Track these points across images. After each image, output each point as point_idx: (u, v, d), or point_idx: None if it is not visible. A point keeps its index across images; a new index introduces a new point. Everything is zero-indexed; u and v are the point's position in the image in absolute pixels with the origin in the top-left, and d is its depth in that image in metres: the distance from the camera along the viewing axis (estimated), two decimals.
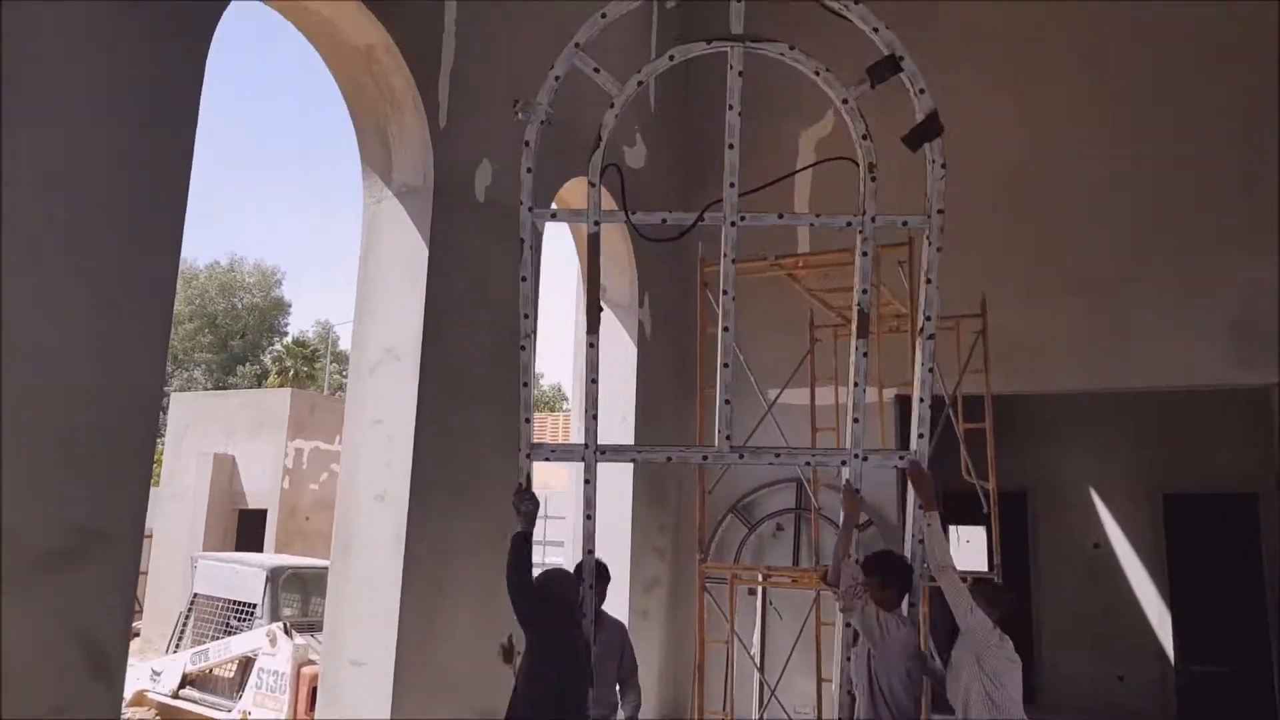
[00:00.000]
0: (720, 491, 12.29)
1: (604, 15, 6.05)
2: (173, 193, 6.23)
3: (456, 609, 8.40)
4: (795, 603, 11.85)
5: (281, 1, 7.59)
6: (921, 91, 6.03)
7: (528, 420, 6.27)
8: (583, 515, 6.28)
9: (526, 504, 6.07)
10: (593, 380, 6.26)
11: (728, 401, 6.33)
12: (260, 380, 50.13)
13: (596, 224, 6.17)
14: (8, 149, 5.14)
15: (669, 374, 13.09)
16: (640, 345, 12.69)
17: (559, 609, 5.94)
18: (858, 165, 6.18)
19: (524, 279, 6.15)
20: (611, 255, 12.07)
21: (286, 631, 11.84)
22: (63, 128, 5.55)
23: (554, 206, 6.48)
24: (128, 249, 5.95)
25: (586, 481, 6.28)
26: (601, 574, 6.43)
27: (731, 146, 6.10)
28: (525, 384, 6.25)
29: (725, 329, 6.25)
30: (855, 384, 6.30)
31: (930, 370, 6.25)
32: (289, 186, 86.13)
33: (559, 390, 55.15)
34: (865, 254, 6.19)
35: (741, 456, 6.46)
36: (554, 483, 21.13)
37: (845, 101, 6.10)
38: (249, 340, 56.71)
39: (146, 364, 6.07)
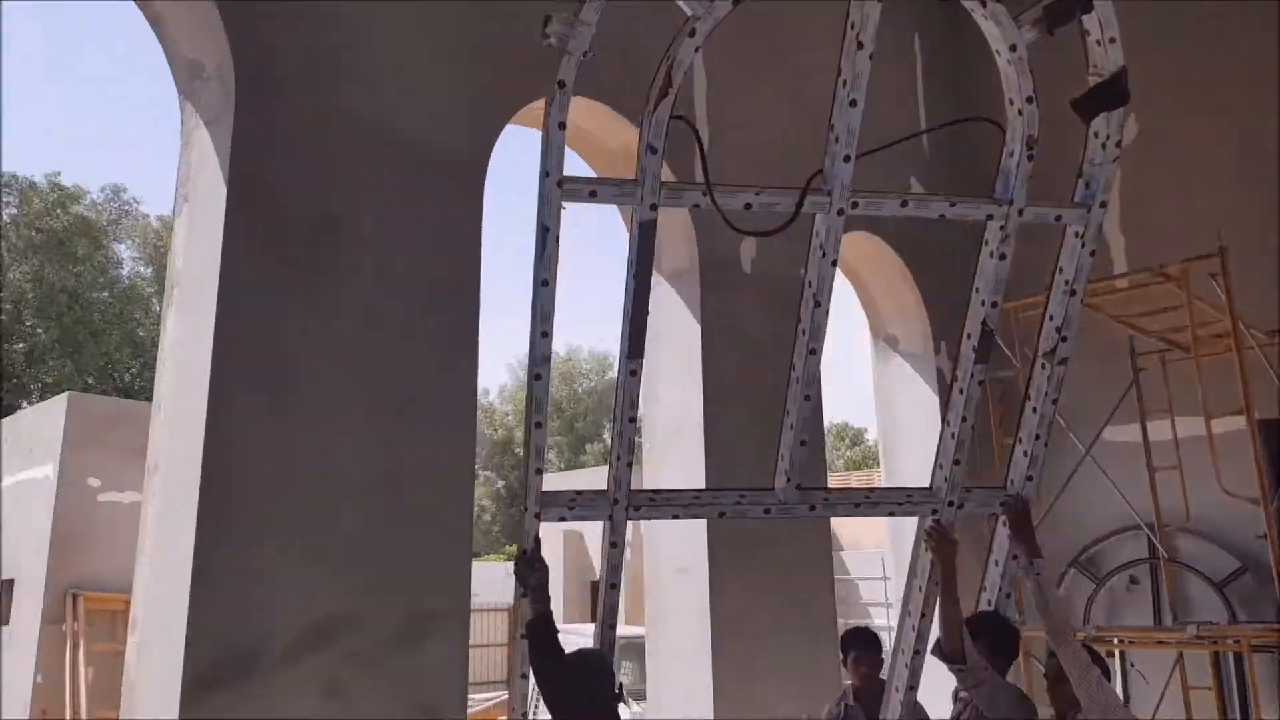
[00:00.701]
0: (1055, 544, 10.15)
1: None
2: (465, 308, 7.57)
3: (767, 676, 8.63)
4: (1157, 662, 10.12)
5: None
6: (1112, 40, 4.46)
7: (538, 470, 4.59)
8: (606, 584, 4.91)
9: (535, 575, 4.53)
10: (630, 419, 4.66)
11: (803, 442, 4.97)
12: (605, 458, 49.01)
13: (654, 208, 4.29)
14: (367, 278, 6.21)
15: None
16: (941, 394, 11.06)
17: (588, 706, 4.57)
18: (1003, 130, 4.71)
19: (544, 283, 4.33)
20: (896, 301, 12.04)
21: (622, 698, 11.02)
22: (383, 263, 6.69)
23: (591, 179, 4.67)
24: (434, 356, 7.21)
25: (613, 545, 4.82)
26: (869, 640, 6.10)
27: (854, 104, 4.45)
28: (538, 424, 4.53)
29: (813, 351, 4.88)
30: (964, 419, 5.15)
31: (1054, 403, 5.18)
32: (597, 275, 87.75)
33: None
34: (1003, 256, 4.79)
35: (813, 508, 5.16)
36: (866, 539, 20.30)
37: (1014, 48, 4.47)
38: (591, 421, 61.42)
39: (459, 455, 7.07)
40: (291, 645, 5.97)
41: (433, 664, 6.48)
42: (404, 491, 6.51)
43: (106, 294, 35.45)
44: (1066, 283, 4.79)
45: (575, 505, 4.73)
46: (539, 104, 7.70)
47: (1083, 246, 4.70)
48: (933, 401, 11.33)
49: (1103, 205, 4.64)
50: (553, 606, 4.63)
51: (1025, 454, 5.07)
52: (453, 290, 7.16)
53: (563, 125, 4.04)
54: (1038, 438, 5.01)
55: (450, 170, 7.28)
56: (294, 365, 6.28)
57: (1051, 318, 4.80)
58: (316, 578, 6.15)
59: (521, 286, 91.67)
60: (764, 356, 8.66)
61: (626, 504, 4.69)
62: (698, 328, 8.76)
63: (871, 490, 5.09)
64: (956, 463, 4.98)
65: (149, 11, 6.71)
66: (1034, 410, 4.99)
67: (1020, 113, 4.42)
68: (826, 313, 4.60)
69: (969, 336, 4.72)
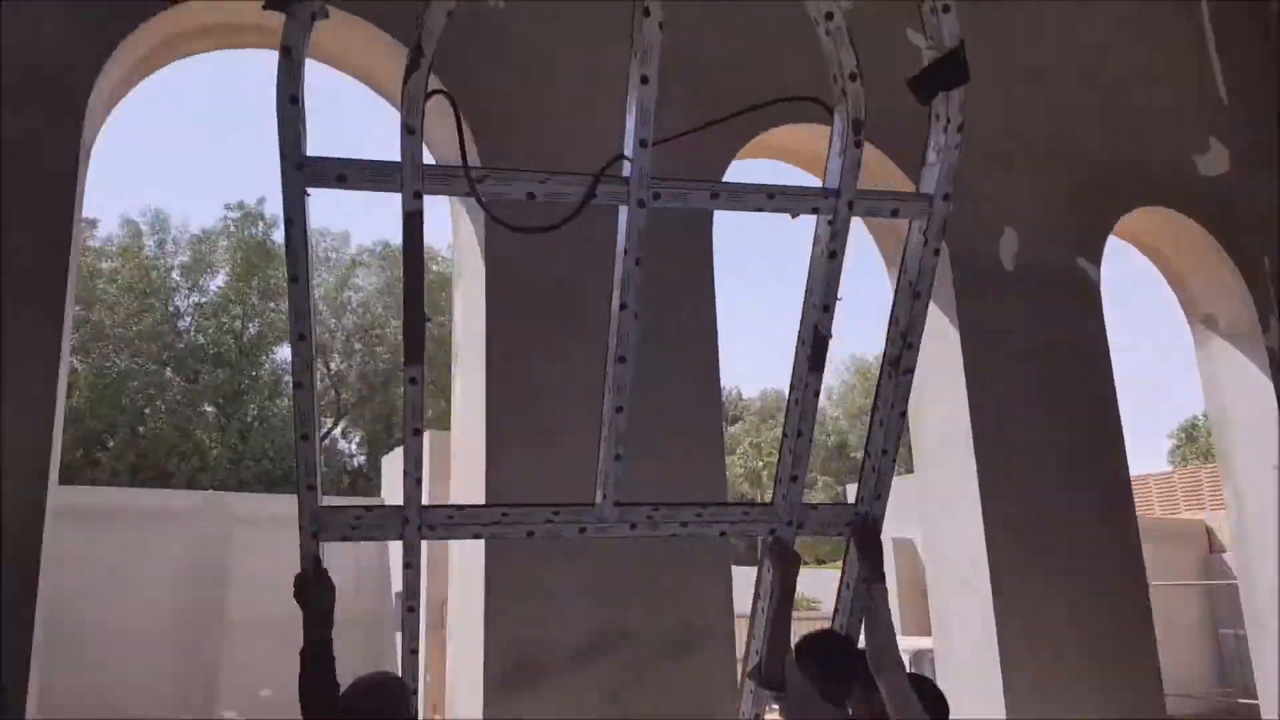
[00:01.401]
0: None
1: None
2: (704, 338, 8.50)
3: (1070, 686, 8.52)
4: None
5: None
6: (945, 9, 4.06)
7: (310, 487, 4.26)
8: (404, 607, 4.60)
9: (318, 598, 4.17)
10: (415, 431, 4.27)
11: (618, 456, 4.67)
12: None
13: (418, 196, 3.89)
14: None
15: None
16: (1276, 378, 10.75)
17: None
18: (830, 112, 4.27)
19: (294, 279, 3.92)
20: (1208, 277, 11.47)
21: None
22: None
23: (339, 159, 4.11)
24: (681, 389, 8.15)
25: (407, 565, 4.53)
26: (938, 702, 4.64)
27: (645, 81, 4.04)
28: (304, 436, 4.19)
29: (621, 359, 4.57)
30: (799, 433, 4.82)
31: (903, 416, 4.85)
32: None
33: None
34: (833, 254, 4.37)
35: (634, 526, 4.82)
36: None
37: (830, 16, 4.08)
38: None
39: (712, 474, 8.13)
40: (575, 654, 6.90)
41: (702, 673, 7.31)
42: None
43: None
44: (910, 284, 4.39)
45: (360, 524, 4.42)
46: (771, 133, 8.78)
47: (926, 244, 4.30)
48: (1268, 389, 10.73)
49: (946, 198, 4.24)
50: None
51: (874, 469, 4.74)
52: (690, 324, 8.15)
53: (294, 99, 3.57)
54: (885, 453, 4.69)
55: (676, 221, 7.07)
56: (552, 410, 7.40)
57: (896, 322, 4.45)
58: (592, 593, 7.10)
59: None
60: (1029, 356, 9.11)
61: (420, 523, 4.37)
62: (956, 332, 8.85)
63: (704, 506, 4.92)
64: (794, 479, 4.70)
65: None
66: (880, 424, 4.68)
67: (844, 92, 4.08)
68: (634, 315, 4.27)
69: (802, 343, 4.45)
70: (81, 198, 7.00)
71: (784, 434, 4.66)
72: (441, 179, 3.96)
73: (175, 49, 7.92)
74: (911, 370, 4.55)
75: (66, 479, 25.78)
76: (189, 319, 34.12)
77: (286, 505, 18.58)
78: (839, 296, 4.41)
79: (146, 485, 25.61)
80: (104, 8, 6.92)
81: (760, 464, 50.38)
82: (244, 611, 18.36)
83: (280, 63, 3.42)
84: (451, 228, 8.35)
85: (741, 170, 8.78)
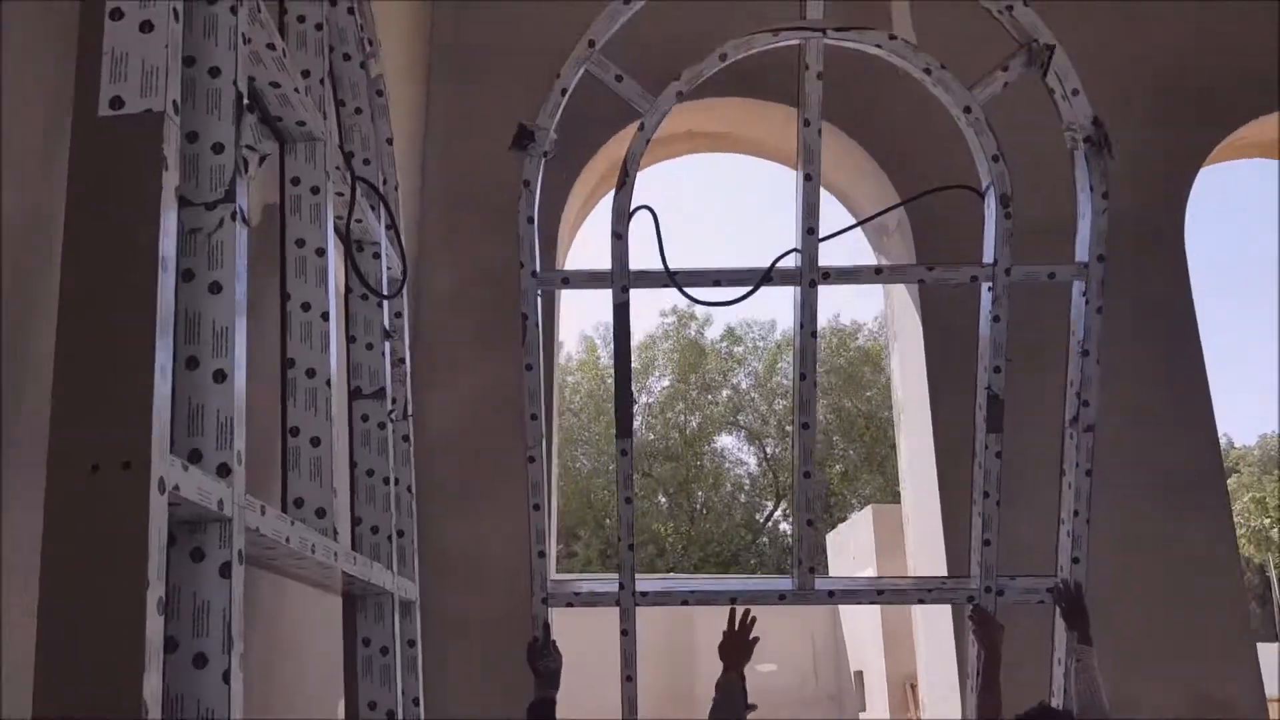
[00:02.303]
0: None
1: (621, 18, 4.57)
2: (1192, 377, 7.63)
3: None
4: None
5: None
6: (1075, 93, 4.63)
7: (540, 554, 4.94)
8: (623, 676, 5.06)
9: (545, 661, 4.55)
10: (627, 500, 4.92)
11: (810, 523, 5.06)
12: None
13: (625, 290, 4.72)
14: None
15: None
16: None
17: None
18: (980, 195, 4.86)
19: (528, 367, 4.80)
20: None
21: None
22: None
23: (563, 270, 5.64)
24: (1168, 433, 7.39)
25: (624, 632, 4.97)
26: None
27: (810, 178, 4.78)
28: (536, 506, 4.92)
29: (805, 426, 5.06)
30: (985, 494, 4.99)
31: (1089, 474, 5.02)
32: None
33: None
34: (997, 318, 4.79)
35: (832, 595, 5.17)
36: None
37: (968, 110, 4.65)
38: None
39: (1219, 531, 7.16)
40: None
41: None
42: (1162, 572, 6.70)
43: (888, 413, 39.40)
44: (1079, 343, 4.72)
45: (580, 594, 5.15)
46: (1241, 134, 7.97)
47: (1087, 304, 4.67)
48: None
49: (1101, 259, 4.63)
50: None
51: (1069, 534, 4.89)
52: (1175, 360, 7.28)
53: (531, 220, 4.62)
54: (1077, 514, 4.84)
55: (1145, 236, 7.05)
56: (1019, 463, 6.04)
57: (1071, 384, 4.76)
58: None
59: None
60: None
61: (633, 589, 4.98)
62: None
63: (900, 579, 5.02)
64: (987, 543, 4.87)
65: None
66: (1069, 485, 4.82)
67: (987, 170, 4.57)
68: (814, 384, 4.86)
69: (979, 407, 4.80)
70: (557, 318, 7.30)
71: (972, 499, 4.93)
72: (642, 275, 4.93)
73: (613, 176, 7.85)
74: (1091, 428, 4.77)
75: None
76: (640, 419, 36.59)
77: (734, 585, 18.67)
78: (1008, 358, 4.85)
79: (613, 572, 26.68)
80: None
81: (1268, 521, 43.78)
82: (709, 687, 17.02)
83: (523, 193, 4.58)
84: (883, 297, 8.15)
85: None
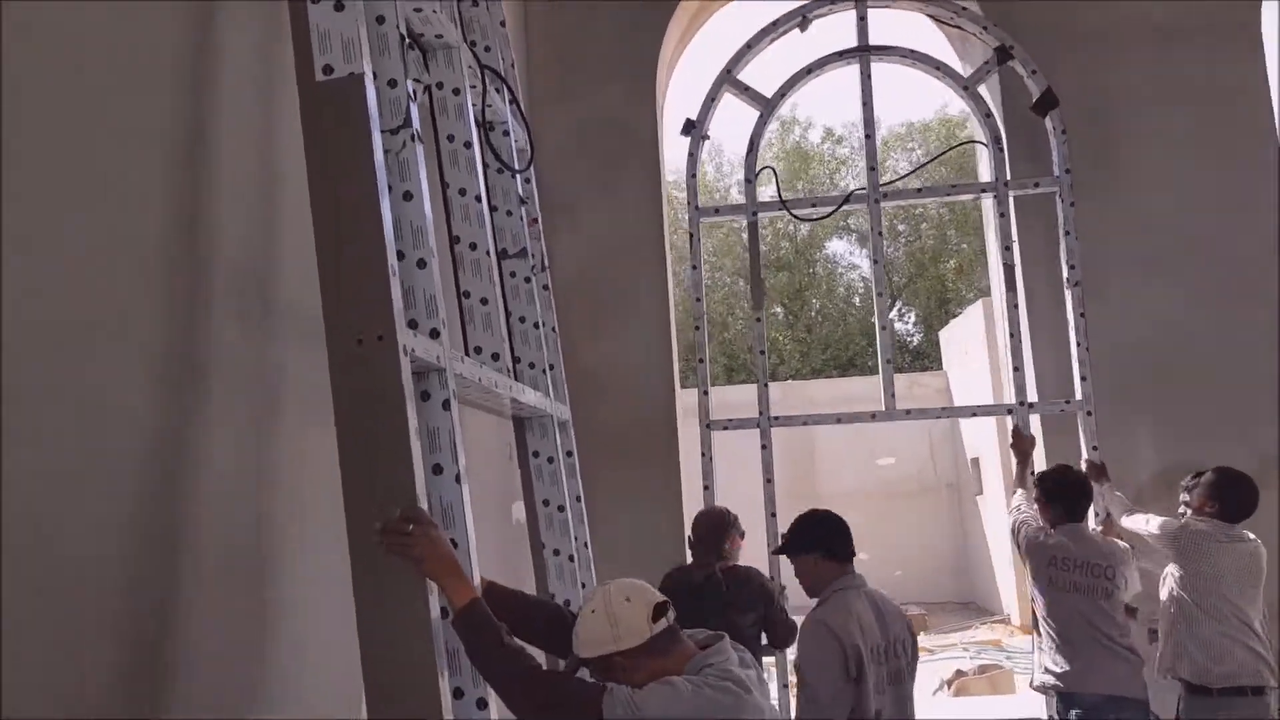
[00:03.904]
0: None
1: (749, 46, 5.20)
2: None
3: None
4: None
5: None
6: (1034, 72, 4.98)
7: (705, 393, 4.99)
8: (763, 479, 4.93)
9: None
10: (761, 351, 5.09)
11: (889, 361, 5.05)
12: None
13: (754, 215, 5.24)
14: None
15: None
16: None
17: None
18: (984, 144, 5.09)
19: (694, 267, 5.31)
20: None
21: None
22: None
23: (715, 206, 5.73)
24: None
25: (764, 447, 4.97)
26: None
27: (869, 136, 5.06)
28: (701, 360, 5.09)
29: (879, 294, 5.07)
30: (1011, 335, 4.88)
31: (1082, 315, 4.82)
32: None
33: None
34: (1003, 214, 5.02)
35: (909, 413, 5.13)
36: None
37: (966, 88, 5.02)
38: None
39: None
40: (1150, 483, 4.86)
41: None
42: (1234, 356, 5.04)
43: None
44: (1062, 228, 4.81)
45: (730, 422, 5.30)
46: None
47: (1062, 201, 4.82)
48: None
49: (1068, 171, 4.84)
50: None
51: (1077, 360, 4.95)
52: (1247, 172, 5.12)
53: (694, 175, 5.03)
54: (1080, 343, 4.79)
55: (1221, 39, 5.23)
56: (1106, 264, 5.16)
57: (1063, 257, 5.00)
58: (1178, 429, 4.96)
59: None
60: None
61: (769, 415, 5.11)
62: None
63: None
64: (1016, 369, 4.81)
65: None
66: (1072, 325, 4.87)
67: (982, 126, 4.80)
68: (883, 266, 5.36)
69: (999, 272, 5.14)
70: (662, 152, 6.13)
71: (1009, 336, 4.90)
72: (765, 205, 5.06)
73: (709, 7, 6.41)
74: (1079, 284, 4.70)
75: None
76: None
77: (855, 387, 16.99)
78: (1014, 239, 5.03)
79: (737, 383, 21.83)
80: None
81: None
82: (830, 484, 15.47)
83: (687, 162, 5.22)
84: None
85: None
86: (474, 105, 3.39)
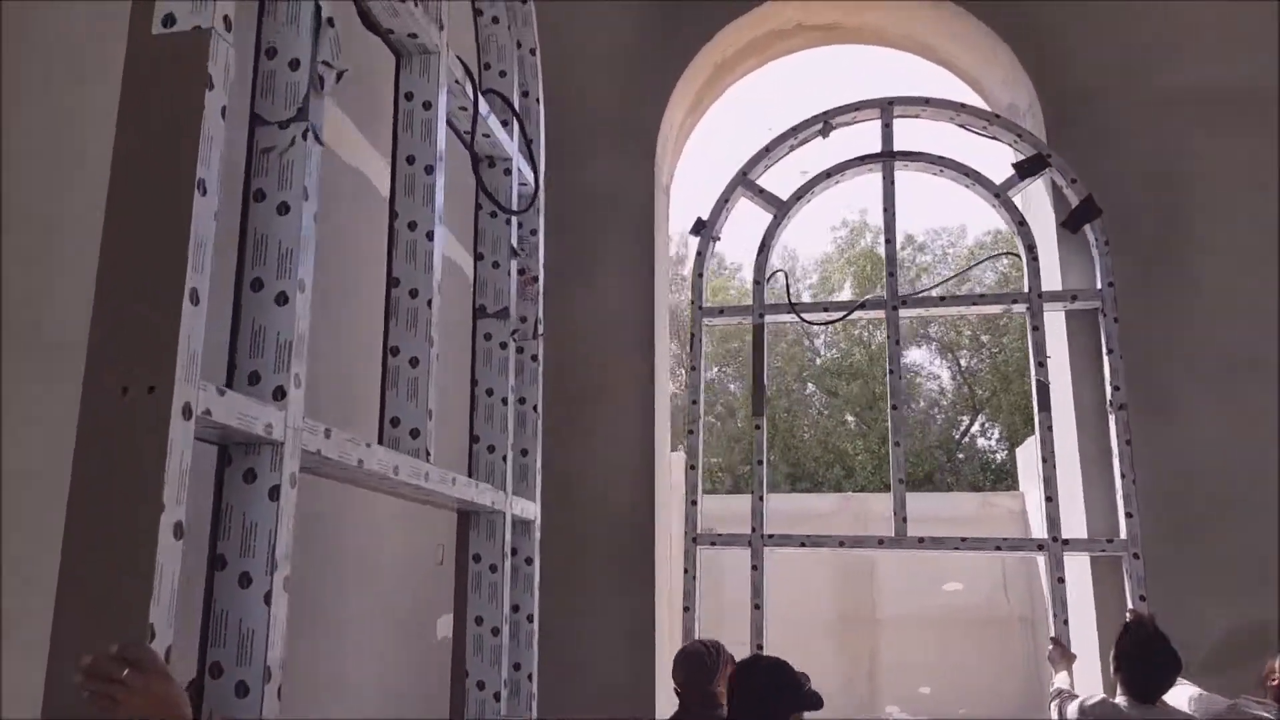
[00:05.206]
0: None
1: (768, 150, 4.68)
2: None
3: None
4: None
5: None
6: (1074, 181, 4.30)
7: (694, 503, 4.34)
8: (751, 604, 4.25)
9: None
10: (759, 461, 4.48)
11: (901, 481, 4.39)
12: None
13: (761, 316, 4.64)
14: None
15: None
16: None
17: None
18: (1018, 256, 4.48)
19: (693, 369, 4.69)
20: None
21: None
22: None
23: (720, 307, 4.64)
24: None
25: (754, 568, 4.31)
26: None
27: (889, 241, 4.45)
28: (693, 467, 4.51)
29: (894, 407, 4.40)
30: (1044, 459, 4.17)
31: (1128, 443, 4.11)
32: None
33: None
34: (1036, 328, 4.35)
35: (921, 542, 4.36)
36: None
37: (998, 196, 4.38)
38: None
39: None
40: (1214, 650, 3.89)
41: None
42: None
43: None
44: (1104, 345, 4.02)
45: (719, 538, 4.62)
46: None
47: (1104, 316, 4.07)
48: None
49: (1110, 285, 4.11)
50: None
51: (1121, 494, 4.07)
52: None
53: (700, 275, 4.51)
54: (1124, 476, 4.01)
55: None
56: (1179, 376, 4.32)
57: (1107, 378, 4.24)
58: (1249, 579, 4.10)
59: None
60: None
61: (762, 534, 4.38)
62: None
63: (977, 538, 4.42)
64: (1049, 499, 4.06)
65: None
66: (1117, 454, 4.21)
67: (1016, 235, 4.14)
68: (900, 378, 4.45)
69: (1033, 392, 3.82)
70: (666, 236, 5.56)
71: (1042, 460, 4.20)
72: (773, 307, 4.46)
73: (721, 79, 5.65)
74: (1125, 407, 3.96)
75: (742, 489, 22.52)
76: (822, 338, 24.25)
77: (927, 503, 14.32)
78: (1049, 355, 4.28)
79: (800, 492, 20.24)
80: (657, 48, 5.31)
81: None
82: (890, 609, 13.08)
83: (695, 259, 4.99)
84: None
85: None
86: (467, 131, 2.72)
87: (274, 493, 1.64)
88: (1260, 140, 4.35)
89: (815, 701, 2.19)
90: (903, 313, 4.49)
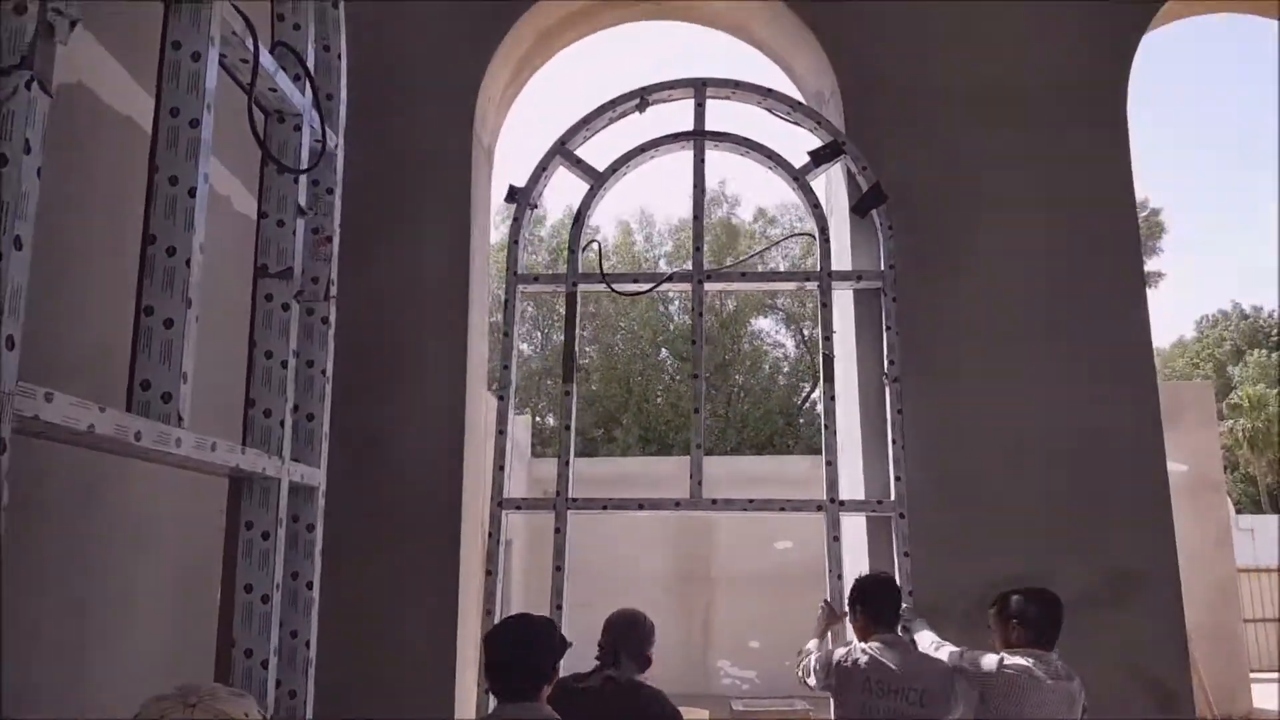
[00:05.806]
0: None
1: (585, 122, 4.67)
2: (1126, 255, 4.49)
3: None
4: None
5: None
6: (864, 168, 4.60)
7: (500, 468, 4.41)
8: (553, 566, 4.29)
9: None
10: (566, 427, 4.53)
11: (699, 446, 4.50)
12: None
13: (575, 285, 4.70)
14: None
15: None
16: None
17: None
18: (813, 236, 4.69)
19: (505, 334, 4.71)
20: None
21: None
22: None
23: (535, 274, 4.69)
24: (1104, 311, 4.47)
25: (557, 530, 4.38)
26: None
27: (697, 218, 4.61)
28: (501, 432, 4.48)
29: (695, 376, 4.50)
30: (826, 427, 4.51)
31: (899, 412, 4.38)
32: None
33: None
34: (825, 305, 4.61)
35: (714, 503, 4.50)
36: None
37: (797, 179, 4.59)
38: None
39: (1143, 410, 4.39)
40: (971, 603, 4.12)
41: (1142, 628, 4.23)
42: (1091, 450, 4.50)
43: None
44: (884, 322, 4.36)
45: (525, 502, 4.91)
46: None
47: (886, 295, 4.39)
48: None
49: (892, 267, 4.41)
50: None
51: (892, 459, 4.40)
52: (1108, 239, 4.60)
53: (516, 242, 4.49)
54: (894, 442, 4.25)
55: (1080, 108, 4.93)
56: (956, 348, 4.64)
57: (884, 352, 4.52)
58: (1009, 537, 4.38)
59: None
60: None
61: (567, 499, 4.46)
62: None
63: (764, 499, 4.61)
64: (829, 464, 4.30)
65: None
66: (890, 422, 4.37)
67: (811, 217, 4.35)
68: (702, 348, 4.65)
69: (820, 363, 4.31)
70: (488, 199, 5.44)
71: (824, 428, 4.51)
72: (586, 277, 4.54)
73: (549, 44, 5.59)
74: (899, 380, 4.29)
75: (591, 451, 23.12)
76: (676, 302, 24.75)
77: (762, 466, 15.51)
78: (835, 330, 4.57)
79: (651, 454, 21.26)
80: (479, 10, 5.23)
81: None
82: (726, 568, 14.35)
83: (512, 225, 5.07)
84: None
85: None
86: (249, 83, 2.57)
87: None
88: (1028, 134, 4.69)
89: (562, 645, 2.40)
90: (708, 285, 4.66)
